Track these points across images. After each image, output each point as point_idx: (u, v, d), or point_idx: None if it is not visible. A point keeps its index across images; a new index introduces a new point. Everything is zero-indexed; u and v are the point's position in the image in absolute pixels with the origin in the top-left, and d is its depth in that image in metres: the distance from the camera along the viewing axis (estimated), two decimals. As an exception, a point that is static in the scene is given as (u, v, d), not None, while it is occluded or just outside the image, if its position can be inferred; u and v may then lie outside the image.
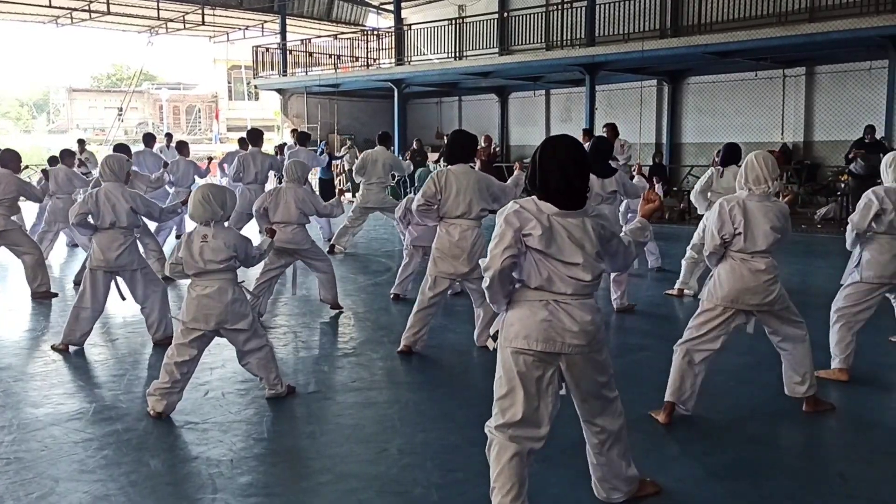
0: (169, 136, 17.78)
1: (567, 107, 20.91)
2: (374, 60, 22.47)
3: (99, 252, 5.78)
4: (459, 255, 5.47)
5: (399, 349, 5.71)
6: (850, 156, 12.83)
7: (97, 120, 46.54)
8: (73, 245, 11.07)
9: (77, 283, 7.96)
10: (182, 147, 12.09)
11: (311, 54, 23.00)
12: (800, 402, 4.48)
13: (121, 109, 27.12)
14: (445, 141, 6.24)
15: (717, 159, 7.73)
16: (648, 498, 3.36)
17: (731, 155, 7.43)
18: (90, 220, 5.74)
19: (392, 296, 7.73)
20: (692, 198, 7.36)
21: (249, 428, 4.25)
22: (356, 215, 10.53)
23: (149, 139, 12.90)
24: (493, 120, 22.53)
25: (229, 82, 42.37)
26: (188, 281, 4.44)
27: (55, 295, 7.91)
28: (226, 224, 4.51)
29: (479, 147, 15.89)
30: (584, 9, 16.87)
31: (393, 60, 21.14)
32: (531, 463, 3.05)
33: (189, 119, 49.45)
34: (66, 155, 10.22)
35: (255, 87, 25.89)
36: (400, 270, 7.80)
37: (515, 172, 6.48)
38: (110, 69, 62.28)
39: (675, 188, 16.42)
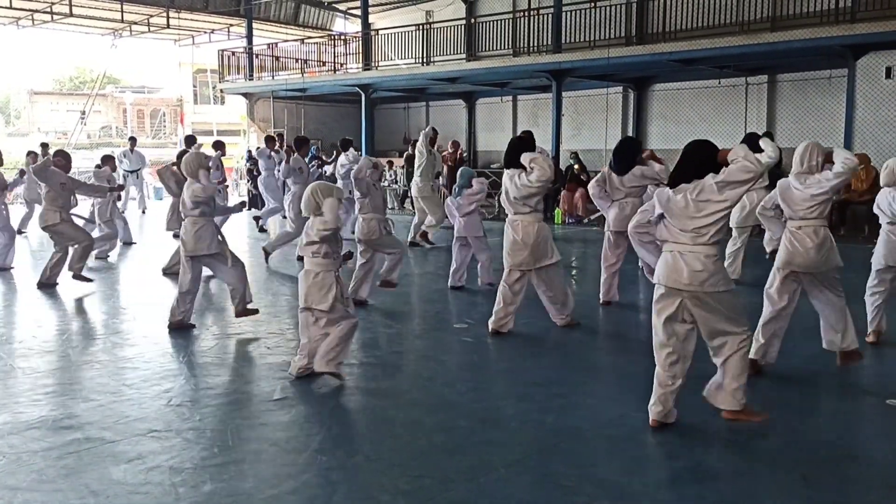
0: (132, 139, 17.58)
1: (534, 113, 21.03)
2: (342, 65, 22.39)
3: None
4: (524, 248, 6.08)
5: (490, 331, 6.30)
6: None
7: (59, 123, 45.74)
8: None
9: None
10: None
11: (277, 58, 22.84)
12: (763, 405, 4.56)
13: (84, 113, 26.71)
14: (411, 146, 6.59)
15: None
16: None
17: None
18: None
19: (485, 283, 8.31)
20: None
21: (213, 436, 4.20)
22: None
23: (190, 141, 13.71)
24: (460, 125, 22.58)
25: (195, 86, 41.91)
26: None
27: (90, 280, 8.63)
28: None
29: (446, 152, 16.01)
30: (550, 16, 17.00)
31: (360, 65, 21.08)
32: None
33: (154, 123, 48.87)
34: (34, 155, 10.84)
35: (221, 90, 25.63)
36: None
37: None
38: (73, 72, 61.33)
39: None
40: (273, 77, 22.40)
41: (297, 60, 22.69)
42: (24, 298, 8.22)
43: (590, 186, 7.71)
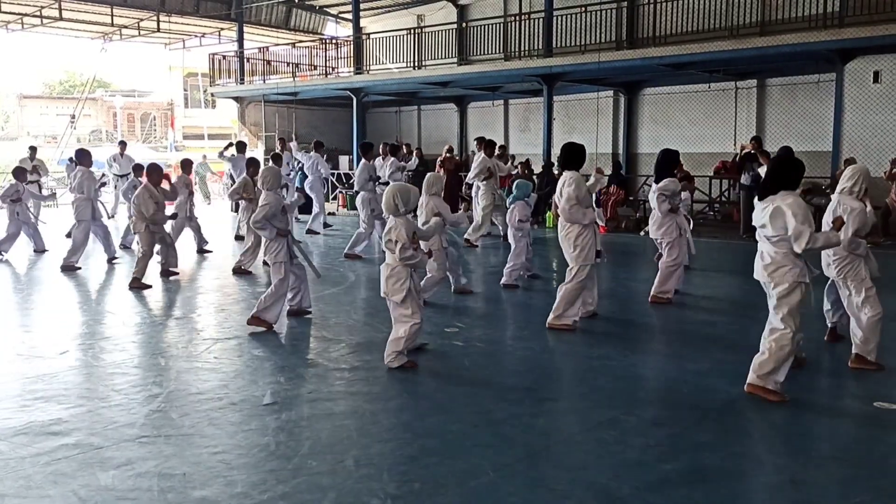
0: (122, 143, 17.53)
1: (525, 117, 21.08)
2: (333, 69, 22.39)
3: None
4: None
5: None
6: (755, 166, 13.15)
7: (49, 127, 45.57)
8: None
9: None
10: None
11: (268, 62, 22.84)
12: (751, 409, 4.58)
13: (73, 116, 26.67)
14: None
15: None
16: None
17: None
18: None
19: (503, 284, 8.78)
20: None
21: (203, 441, 4.19)
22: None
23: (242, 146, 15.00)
24: (452, 129, 22.61)
25: (185, 90, 41.82)
26: None
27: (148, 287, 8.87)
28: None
29: (443, 157, 16.04)
30: (541, 20, 17.05)
31: (352, 69, 21.09)
32: None
33: (144, 127, 48.73)
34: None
35: (212, 94, 25.60)
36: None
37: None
38: (63, 76, 61.14)
39: (631, 197, 16.64)
40: (264, 81, 22.39)
41: (288, 64, 22.68)
42: (9, 304, 8.19)
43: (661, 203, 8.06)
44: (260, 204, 6.90)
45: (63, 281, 9.50)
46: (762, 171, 8.72)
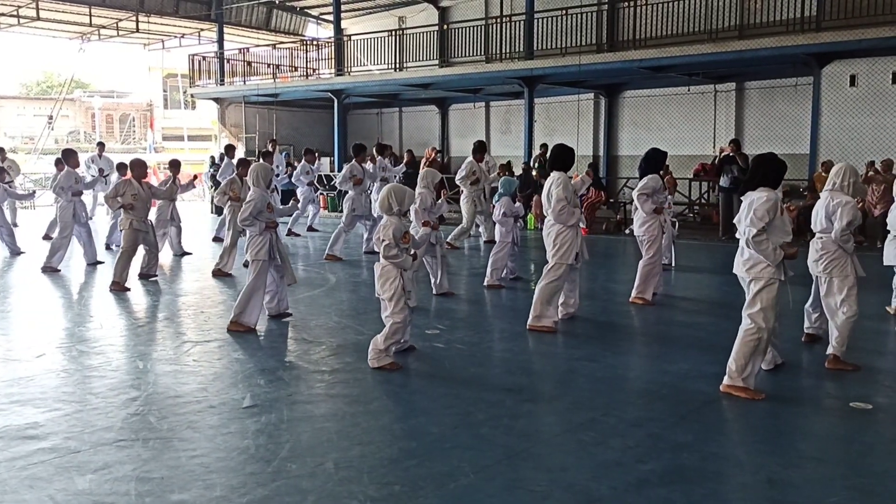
0: (101, 145, 17.38)
1: (507, 119, 21.13)
2: (314, 70, 22.32)
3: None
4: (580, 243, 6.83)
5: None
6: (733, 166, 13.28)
7: (26, 128, 45.10)
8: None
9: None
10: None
11: (249, 63, 22.72)
12: (730, 409, 4.61)
13: (51, 117, 26.41)
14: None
15: None
16: None
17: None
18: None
19: (487, 285, 8.91)
20: None
21: (181, 444, 4.16)
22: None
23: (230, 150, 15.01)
24: (433, 131, 22.62)
25: (165, 91, 41.54)
26: None
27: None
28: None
29: (424, 158, 16.05)
30: (522, 23, 17.10)
31: (333, 71, 21.04)
32: None
33: (123, 128, 48.32)
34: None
35: (192, 95, 25.45)
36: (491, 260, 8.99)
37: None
38: (40, 76, 60.53)
39: (611, 199, 16.73)
40: (245, 82, 22.28)
41: (268, 65, 22.58)
42: (-12, 306, 8.10)
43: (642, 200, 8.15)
44: (246, 200, 6.89)
45: (41, 283, 9.41)
46: None
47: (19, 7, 20.84)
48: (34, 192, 18.26)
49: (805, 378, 5.58)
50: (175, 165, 11.66)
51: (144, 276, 9.50)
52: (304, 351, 6.22)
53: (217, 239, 12.88)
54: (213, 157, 19.49)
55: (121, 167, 12.11)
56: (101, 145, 17.59)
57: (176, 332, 6.93)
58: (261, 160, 14.40)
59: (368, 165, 12.42)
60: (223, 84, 22.61)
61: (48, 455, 3.98)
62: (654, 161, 8.03)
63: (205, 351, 6.22)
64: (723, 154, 13.80)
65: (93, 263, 10.65)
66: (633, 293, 7.98)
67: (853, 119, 14.32)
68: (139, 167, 9.35)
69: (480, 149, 12.56)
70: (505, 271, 9.16)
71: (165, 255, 11.23)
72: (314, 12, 25.52)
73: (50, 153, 34.11)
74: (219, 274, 9.82)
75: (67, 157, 10.74)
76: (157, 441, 4.19)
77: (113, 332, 6.88)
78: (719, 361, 5.20)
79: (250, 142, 23.09)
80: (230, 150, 15.53)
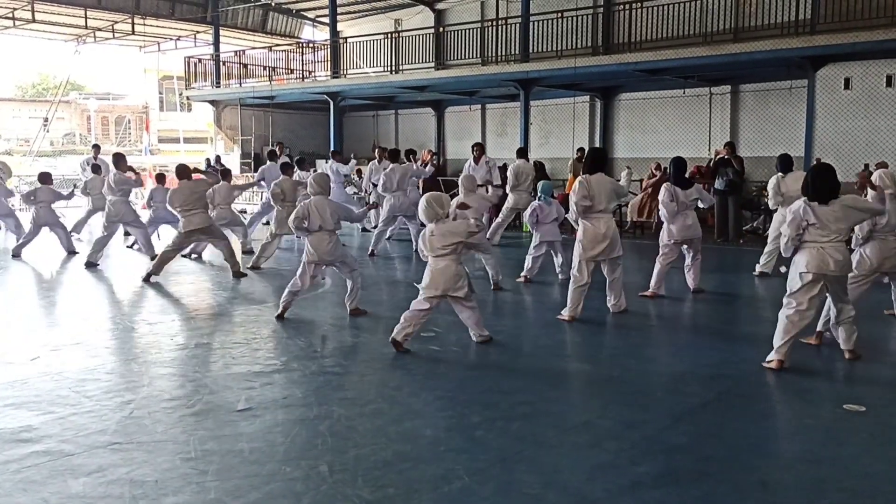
0: (96, 147, 17.35)
1: (502, 121, 21.15)
2: (310, 73, 22.33)
3: (312, 249, 7.15)
4: (604, 240, 7.12)
5: (565, 319, 7.16)
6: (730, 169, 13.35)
7: (22, 130, 45.01)
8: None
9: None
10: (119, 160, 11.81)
11: (245, 66, 22.73)
12: (723, 411, 4.62)
13: (46, 119, 26.34)
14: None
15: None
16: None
17: (787, 164, 9.39)
18: (304, 224, 7.09)
19: (524, 279, 9.31)
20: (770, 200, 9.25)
21: (176, 447, 4.16)
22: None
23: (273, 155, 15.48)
24: (429, 134, 22.64)
25: (160, 93, 41.53)
26: None
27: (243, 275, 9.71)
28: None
29: (421, 161, 16.08)
30: (518, 25, 17.13)
31: (329, 73, 21.04)
32: None
33: (119, 130, 48.25)
34: None
35: (188, 98, 25.42)
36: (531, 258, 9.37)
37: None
38: (36, 78, 60.41)
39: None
40: (240, 84, 22.28)
41: (264, 68, 22.59)
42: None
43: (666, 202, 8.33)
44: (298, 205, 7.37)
45: (35, 285, 9.40)
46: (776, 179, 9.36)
47: (15, 9, 20.81)
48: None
49: (799, 380, 5.59)
50: (226, 174, 12.01)
51: (146, 278, 9.41)
52: (298, 353, 6.22)
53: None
54: (208, 160, 19.45)
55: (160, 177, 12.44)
56: (96, 147, 17.52)
57: (170, 335, 6.92)
58: (268, 162, 14.80)
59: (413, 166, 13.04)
60: (219, 86, 22.60)
61: (42, 458, 3.97)
62: (680, 171, 8.46)
63: (199, 353, 6.21)
64: (718, 157, 13.83)
65: (71, 252, 11.44)
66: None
67: (847, 122, 14.34)
68: (122, 161, 10.87)
69: (479, 149, 13.23)
70: (536, 265, 9.47)
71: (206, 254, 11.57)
72: (310, 15, 25.53)
73: (45, 155, 34.09)
74: (253, 268, 10.29)
75: (118, 162, 11.33)
76: (151, 444, 4.19)
77: (107, 335, 6.87)
78: (714, 363, 5.21)
79: (246, 144, 23.09)
80: (272, 155, 15.78)
